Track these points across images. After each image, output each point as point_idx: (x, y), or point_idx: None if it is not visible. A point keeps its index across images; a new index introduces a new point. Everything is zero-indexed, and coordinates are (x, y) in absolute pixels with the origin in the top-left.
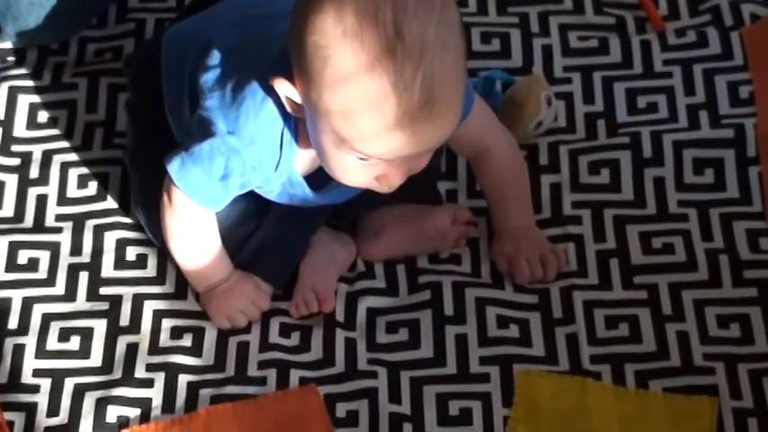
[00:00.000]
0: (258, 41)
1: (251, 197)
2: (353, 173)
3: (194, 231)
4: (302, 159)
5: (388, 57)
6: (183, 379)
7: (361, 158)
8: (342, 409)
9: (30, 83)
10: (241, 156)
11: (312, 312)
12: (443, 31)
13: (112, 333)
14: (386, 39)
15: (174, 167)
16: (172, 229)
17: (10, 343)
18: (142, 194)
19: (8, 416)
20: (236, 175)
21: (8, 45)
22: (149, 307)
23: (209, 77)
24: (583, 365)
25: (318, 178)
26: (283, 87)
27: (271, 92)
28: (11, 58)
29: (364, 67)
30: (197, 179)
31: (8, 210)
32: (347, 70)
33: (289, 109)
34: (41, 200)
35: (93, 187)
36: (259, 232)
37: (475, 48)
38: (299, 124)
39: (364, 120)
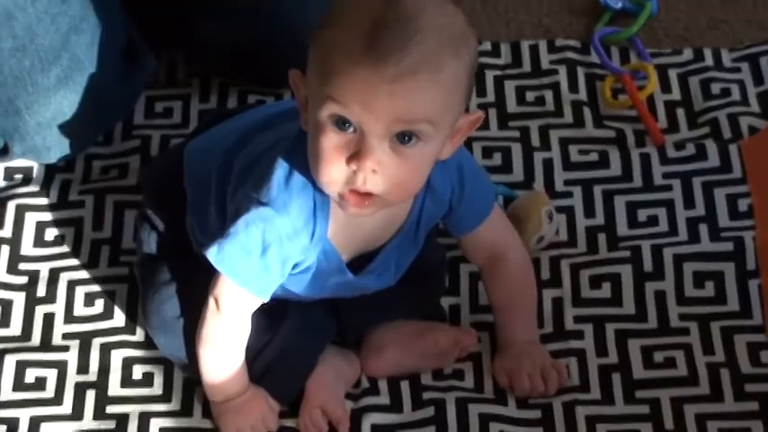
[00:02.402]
0: (279, 131)
1: (263, 311)
2: (331, 155)
3: (230, 340)
4: (335, 229)
5: (377, 10)
6: None
7: (332, 118)
8: None
9: (36, 201)
10: (276, 226)
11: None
12: (452, 27)
13: None
14: (379, 6)
15: (212, 253)
16: (210, 337)
17: None
18: (157, 309)
19: None
20: (274, 248)
21: (15, 164)
22: (156, 425)
23: (239, 171)
24: None
25: (356, 265)
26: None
27: (297, 164)
28: (18, 176)
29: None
30: (235, 257)
31: (15, 328)
32: (333, 32)
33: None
34: (48, 318)
35: (99, 305)
36: (269, 348)
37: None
38: (328, 200)
39: (331, 50)
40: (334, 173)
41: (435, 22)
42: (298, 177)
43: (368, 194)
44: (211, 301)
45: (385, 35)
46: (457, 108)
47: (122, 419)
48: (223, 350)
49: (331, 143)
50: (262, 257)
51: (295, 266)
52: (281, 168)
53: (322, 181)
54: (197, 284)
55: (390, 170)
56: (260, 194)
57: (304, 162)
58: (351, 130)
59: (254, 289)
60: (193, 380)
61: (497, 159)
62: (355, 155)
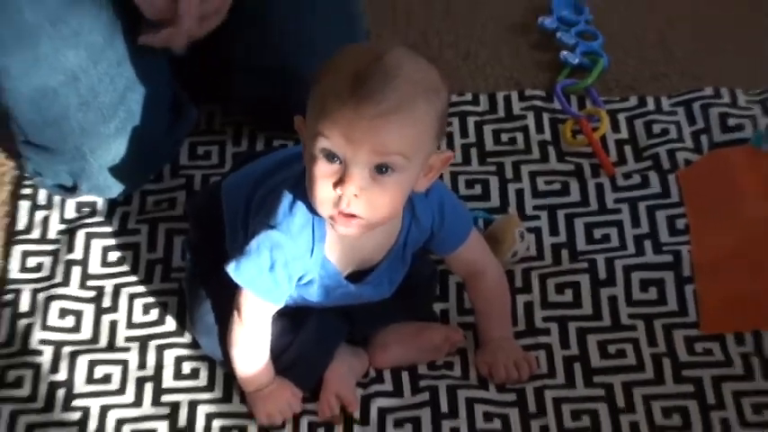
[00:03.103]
0: (290, 170)
1: (288, 316)
2: (322, 184)
3: (252, 342)
4: (331, 249)
5: (363, 65)
6: None
7: (323, 151)
8: None
9: (101, 229)
10: (282, 247)
11: (332, 416)
12: (426, 80)
13: None
14: (366, 58)
15: (231, 267)
16: (236, 341)
17: None
18: (201, 317)
19: None
20: (280, 263)
21: (83, 199)
22: (202, 411)
23: (257, 202)
24: None
25: (352, 277)
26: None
27: (300, 195)
28: (86, 209)
29: (334, 74)
30: (250, 272)
31: (86, 333)
32: (325, 81)
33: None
34: (113, 325)
35: (154, 314)
36: (293, 346)
37: (461, 192)
38: (324, 222)
39: (325, 98)
40: (323, 194)
41: (411, 75)
42: (300, 205)
43: (352, 215)
44: (234, 311)
45: (368, 83)
46: (428, 146)
47: (175, 406)
48: (247, 351)
49: (321, 172)
50: (271, 272)
51: (300, 279)
52: (286, 198)
53: (315, 202)
54: (229, 297)
55: (369, 195)
56: (269, 219)
57: (305, 194)
58: (337, 161)
59: (267, 297)
60: (230, 373)
61: (478, 189)
62: (340, 181)
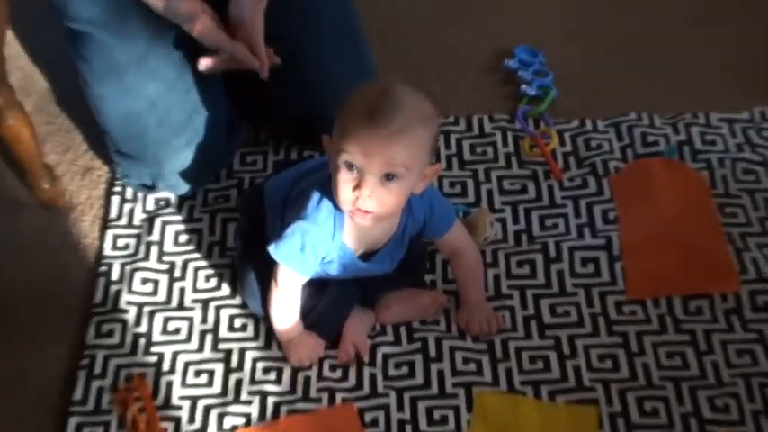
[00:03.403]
0: (316, 176)
1: (314, 285)
2: (344, 187)
3: (285, 304)
4: (348, 235)
5: (375, 98)
6: (270, 399)
7: (345, 163)
8: (368, 417)
9: (173, 218)
10: (310, 234)
11: (350, 359)
12: (423, 111)
13: (226, 372)
14: (377, 94)
15: (272, 248)
16: (274, 303)
17: (164, 380)
18: (249, 284)
19: (164, 424)
20: (308, 247)
21: (160, 195)
22: (249, 355)
23: (292, 200)
24: (515, 387)
25: (365, 256)
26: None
27: (325, 195)
28: (162, 203)
29: (353, 106)
30: (286, 251)
31: (162, 296)
32: (347, 111)
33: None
34: (182, 290)
35: (213, 282)
36: (318, 307)
37: (446, 191)
38: (343, 215)
39: (346, 123)
40: (345, 195)
41: (412, 106)
42: (325, 202)
43: (366, 211)
44: (273, 281)
45: (380, 111)
46: (424, 160)
47: (228, 352)
48: (282, 310)
49: (343, 178)
50: (301, 252)
51: (323, 258)
52: (314, 197)
53: (338, 200)
54: (270, 271)
55: (379, 196)
56: (301, 213)
57: (329, 193)
58: (355, 171)
59: (298, 271)
60: (271, 326)
61: (458, 189)
62: (357, 186)
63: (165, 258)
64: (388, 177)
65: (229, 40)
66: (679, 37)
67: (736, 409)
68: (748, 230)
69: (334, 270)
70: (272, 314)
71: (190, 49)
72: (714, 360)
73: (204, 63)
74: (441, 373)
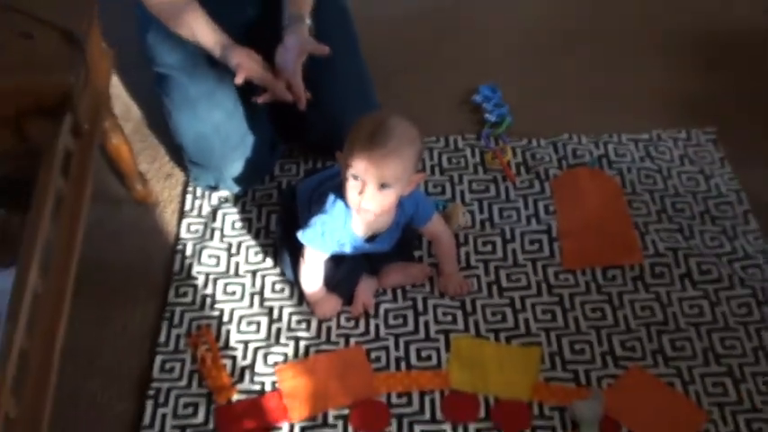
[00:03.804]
0: (332, 182)
1: (333, 259)
2: (351, 192)
3: (313, 274)
4: (356, 224)
5: (374, 126)
6: (302, 342)
7: (352, 175)
8: (373, 355)
9: (231, 210)
10: (328, 224)
11: (362, 313)
12: (409, 135)
13: (270, 323)
14: (375, 122)
15: (300, 234)
16: (303, 273)
17: (224, 329)
18: (285, 259)
19: (224, 360)
20: (327, 233)
21: (221, 194)
22: (286, 311)
23: (315, 199)
24: (481, 333)
25: (369, 239)
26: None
27: (339, 196)
28: (222, 199)
29: (357, 131)
30: (310, 236)
31: (222, 267)
32: (353, 135)
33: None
34: (236, 264)
35: (260, 257)
36: (337, 275)
37: (429, 190)
38: (351, 210)
39: (352, 144)
40: (352, 199)
41: (402, 132)
42: (339, 201)
43: (367, 210)
44: (302, 257)
45: (376, 137)
46: (410, 171)
47: (271, 308)
48: (309, 279)
49: (351, 186)
50: (322, 237)
51: (338, 241)
52: (331, 197)
53: (348, 202)
54: (300, 250)
55: (377, 199)
56: (321, 208)
57: (341, 195)
58: (359, 180)
59: (320, 250)
60: (301, 291)
61: (439, 189)
62: (361, 192)
63: (225, 240)
64: (383, 186)
65: (272, 80)
66: (604, 77)
67: (640, 348)
68: (648, 219)
69: (347, 249)
70: (302, 281)
71: (244, 86)
72: (624, 314)
73: (259, 99)
74: (426, 323)
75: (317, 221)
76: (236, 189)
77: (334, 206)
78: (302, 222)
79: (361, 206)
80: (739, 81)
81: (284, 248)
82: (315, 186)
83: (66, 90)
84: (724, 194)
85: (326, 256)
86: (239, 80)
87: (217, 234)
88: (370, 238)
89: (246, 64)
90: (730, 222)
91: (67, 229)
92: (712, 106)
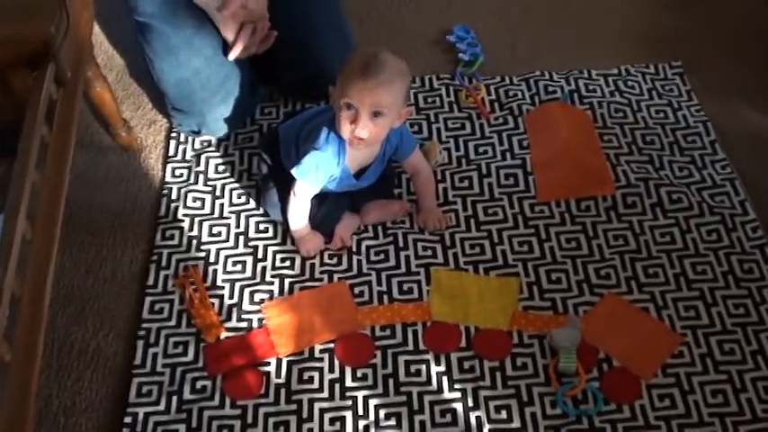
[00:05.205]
0: (321, 117)
1: (317, 197)
2: (344, 121)
3: (301, 210)
4: (348, 159)
5: (367, 59)
6: (287, 280)
7: (345, 104)
8: (356, 290)
9: (214, 153)
10: (321, 158)
11: (341, 248)
12: (400, 68)
13: (255, 262)
14: (369, 55)
15: (294, 170)
16: (292, 209)
17: (210, 269)
18: (269, 198)
19: (211, 300)
20: (321, 168)
21: (203, 138)
22: (271, 249)
23: (304, 136)
24: (460, 265)
25: (358, 175)
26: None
27: (332, 131)
28: (205, 143)
29: (351, 64)
30: (304, 171)
31: (207, 209)
32: (347, 67)
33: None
34: (221, 206)
35: (243, 198)
36: (320, 213)
37: (410, 129)
38: (345, 144)
39: (346, 76)
40: (345, 128)
41: (393, 65)
42: (332, 136)
43: (361, 139)
44: (292, 192)
45: (369, 67)
46: (401, 103)
47: (256, 248)
48: (296, 214)
49: (344, 115)
50: (315, 171)
51: (330, 176)
52: (324, 132)
53: (341, 132)
54: (285, 187)
55: (369, 128)
56: (314, 144)
57: (334, 129)
58: (353, 110)
59: (311, 185)
60: (285, 229)
61: (416, 128)
62: (354, 120)
63: (209, 183)
64: (375, 114)
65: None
66: (573, 14)
67: (614, 276)
68: (620, 151)
69: (333, 185)
70: (290, 217)
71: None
72: (599, 243)
73: (230, 54)
74: (407, 258)
75: (311, 157)
76: (219, 133)
77: (327, 140)
78: (291, 160)
79: (354, 135)
80: (705, 15)
81: (268, 188)
82: (300, 125)
83: (47, 39)
84: (692, 126)
85: (316, 191)
86: (229, 11)
87: (201, 178)
88: (359, 174)
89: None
90: (698, 152)
91: (54, 175)
92: (679, 41)
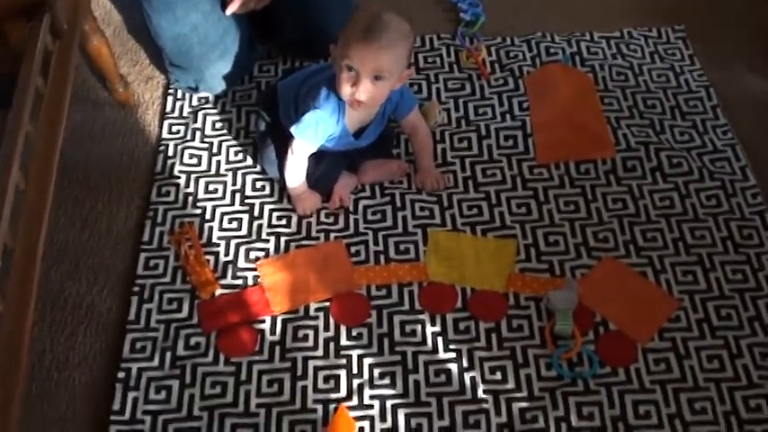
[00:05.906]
0: (321, 75)
1: (315, 156)
2: (345, 84)
3: (297, 167)
4: (347, 118)
5: (370, 20)
6: (283, 238)
7: (346, 66)
8: (353, 249)
9: (212, 110)
10: (321, 116)
11: (338, 207)
12: (403, 30)
13: (251, 220)
14: (371, 17)
15: (293, 128)
16: (289, 167)
17: (206, 226)
18: (267, 155)
19: (207, 257)
20: (320, 126)
21: (202, 94)
22: (267, 208)
23: (303, 94)
24: (458, 226)
25: (357, 134)
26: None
27: (331, 88)
28: (203, 100)
29: (354, 24)
30: (303, 129)
31: (203, 166)
32: (349, 28)
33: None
34: (218, 163)
35: (240, 155)
36: (317, 171)
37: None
38: (344, 103)
39: (348, 37)
40: (345, 90)
41: (396, 26)
42: (332, 95)
43: (360, 101)
44: (290, 150)
45: (372, 30)
46: (402, 66)
47: (252, 206)
48: (293, 172)
49: (345, 77)
50: (315, 129)
51: (329, 135)
52: (324, 91)
53: (341, 93)
54: (283, 144)
55: (370, 91)
56: (314, 102)
57: (334, 88)
58: (354, 72)
59: (310, 143)
60: (282, 186)
61: (416, 88)
62: (354, 83)
63: (206, 140)
64: (377, 77)
65: None
66: None
67: (612, 239)
68: (620, 115)
69: (332, 144)
70: (287, 175)
71: None
72: (597, 207)
73: (228, 10)
74: (404, 218)
75: (311, 116)
76: (216, 90)
77: (327, 99)
78: (290, 117)
79: (354, 98)
80: None
81: (266, 145)
82: (300, 83)
83: None
84: (693, 90)
85: (314, 149)
86: None
87: (198, 134)
88: (357, 133)
89: None
90: (700, 117)
91: (48, 127)
92: (682, 5)
